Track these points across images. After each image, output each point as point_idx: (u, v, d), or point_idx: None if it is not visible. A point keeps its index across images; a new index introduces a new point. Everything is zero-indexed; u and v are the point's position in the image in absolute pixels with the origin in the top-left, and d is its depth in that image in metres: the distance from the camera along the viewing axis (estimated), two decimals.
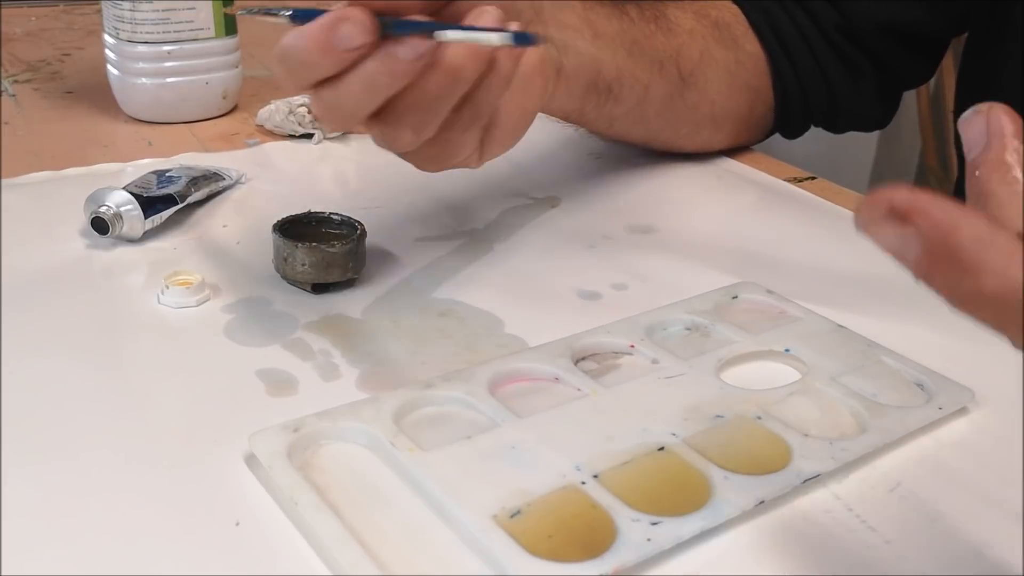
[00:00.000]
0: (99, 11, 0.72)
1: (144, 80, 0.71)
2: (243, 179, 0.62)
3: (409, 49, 0.39)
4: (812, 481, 0.36)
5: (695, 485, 0.35)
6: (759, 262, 0.54)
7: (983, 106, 0.29)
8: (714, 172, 0.67)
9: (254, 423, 0.37)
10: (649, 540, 0.33)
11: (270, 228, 0.49)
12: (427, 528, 0.34)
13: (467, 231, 0.57)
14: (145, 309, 0.47)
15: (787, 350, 0.44)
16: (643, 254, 0.55)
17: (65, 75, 0.84)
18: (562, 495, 0.35)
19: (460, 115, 0.44)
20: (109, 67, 0.73)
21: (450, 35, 0.39)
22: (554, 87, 0.53)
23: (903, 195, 0.25)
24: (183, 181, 0.57)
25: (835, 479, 0.37)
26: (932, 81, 1.74)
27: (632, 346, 0.44)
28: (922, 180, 1.95)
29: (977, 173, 0.28)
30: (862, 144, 1.94)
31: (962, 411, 0.41)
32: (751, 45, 0.67)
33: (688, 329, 0.47)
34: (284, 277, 0.49)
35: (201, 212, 0.58)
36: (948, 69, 1.63)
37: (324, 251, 0.48)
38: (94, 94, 0.77)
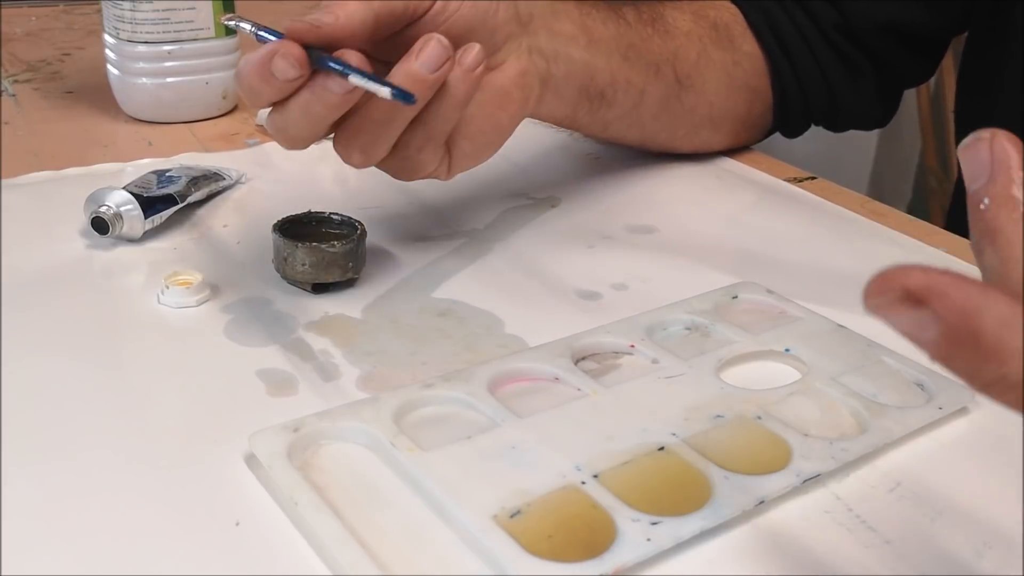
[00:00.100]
0: (99, 11, 0.72)
1: (144, 80, 0.71)
2: (243, 179, 0.62)
3: (337, 84, 0.42)
4: (812, 481, 0.36)
5: (695, 485, 0.35)
6: (759, 262, 0.54)
7: (985, 133, 0.28)
8: (714, 172, 0.67)
9: (254, 423, 0.37)
10: (649, 540, 0.33)
11: (270, 228, 0.49)
12: (427, 528, 0.34)
13: (467, 231, 0.57)
14: (145, 309, 0.47)
15: (787, 350, 0.44)
16: (643, 254, 0.55)
17: (65, 75, 0.84)
18: (562, 495, 0.35)
19: (413, 136, 0.47)
20: (109, 67, 0.73)
21: (354, 80, 0.42)
22: (541, 96, 0.53)
23: (918, 277, 0.23)
24: (183, 181, 0.57)
25: (835, 479, 0.37)
26: (932, 81, 1.74)
27: (632, 346, 0.44)
28: (922, 180, 1.94)
29: (983, 207, 0.27)
30: (862, 144, 1.94)
31: (962, 411, 0.41)
32: (749, 45, 0.67)
33: (688, 329, 0.47)
34: (284, 277, 0.49)
35: (201, 212, 0.58)
36: (948, 69, 1.63)
37: (324, 251, 0.48)
38: (94, 94, 0.77)
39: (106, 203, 0.52)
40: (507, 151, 0.52)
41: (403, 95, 0.41)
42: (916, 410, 0.40)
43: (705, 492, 0.35)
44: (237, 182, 0.62)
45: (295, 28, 0.43)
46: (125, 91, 0.73)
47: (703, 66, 0.64)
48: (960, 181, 0.77)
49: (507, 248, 0.55)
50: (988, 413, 0.41)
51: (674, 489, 0.35)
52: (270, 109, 0.45)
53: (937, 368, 0.42)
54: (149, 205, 0.53)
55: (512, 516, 0.33)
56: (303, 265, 0.48)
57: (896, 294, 0.24)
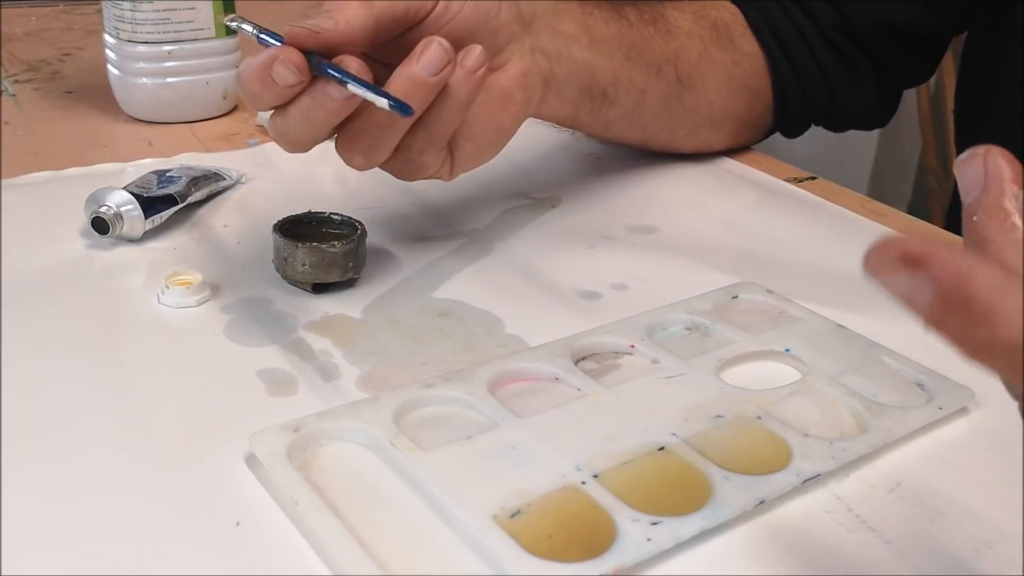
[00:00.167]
0: (99, 11, 0.72)
1: (144, 80, 0.71)
2: (243, 179, 0.62)
3: (338, 90, 0.42)
4: (812, 481, 0.36)
5: (695, 485, 0.35)
6: (759, 262, 0.54)
7: (980, 149, 0.28)
8: (714, 172, 0.67)
9: (254, 423, 0.37)
10: (649, 540, 0.33)
11: (270, 228, 0.49)
12: (427, 528, 0.34)
13: (467, 231, 0.57)
14: (145, 309, 0.47)
15: (787, 350, 0.44)
16: (643, 254, 0.55)
17: (65, 75, 0.84)
18: (562, 495, 0.35)
19: (415, 138, 0.46)
20: (109, 67, 0.73)
21: (353, 88, 0.42)
22: (543, 96, 0.53)
23: (916, 242, 0.24)
24: (183, 181, 0.57)
25: (835, 479, 0.37)
26: (932, 81, 1.74)
27: (632, 346, 0.44)
28: (922, 180, 1.94)
29: (975, 218, 0.28)
30: (862, 144, 1.93)
31: (962, 411, 0.41)
32: (749, 45, 0.67)
33: (688, 329, 0.47)
34: (284, 277, 0.49)
35: (201, 212, 0.58)
36: (948, 69, 1.63)
37: (324, 251, 0.48)
38: (94, 94, 0.77)
39: (106, 203, 0.52)
40: (507, 151, 0.52)
41: (401, 106, 0.41)
42: (916, 410, 0.40)
43: (705, 492, 0.35)
44: (237, 182, 0.62)
45: (295, 33, 0.42)
46: (125, 91, 0.73)
47: (704, 66, 0.64)
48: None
49: (507, 248, 0.55)
50: (988, 413, 0.41)
51: (674, 489, 0.35)
52: (271, 112, 0.45)
53: (937, 368, 0.42)
54: (149, 205, 0.53)
55: (512, 516, 0.33)
56: (303, 265, 0.48)
57: (894, 257, 0.24)
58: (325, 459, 0.37)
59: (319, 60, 0.42)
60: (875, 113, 0.72)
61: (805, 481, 0.36)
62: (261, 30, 0.45)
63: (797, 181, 0.66)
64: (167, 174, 0.57)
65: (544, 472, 0.35)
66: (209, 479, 0.36)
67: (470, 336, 0.46)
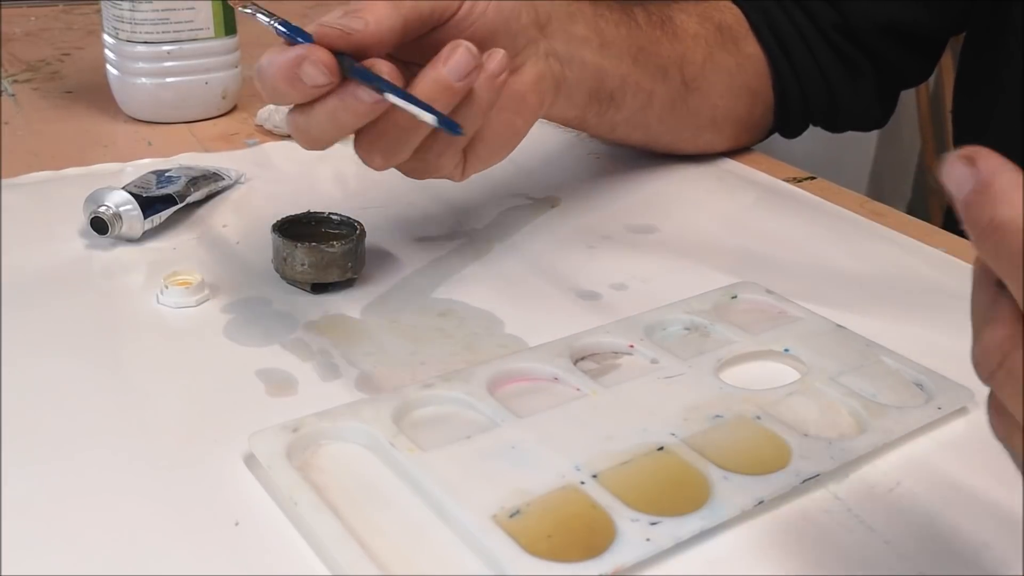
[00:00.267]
0: (99, 11, 0.72)
1: (144, 80, 0.71)
2: (242, 179, 0.62)
3: (368, 94, 0.41)
4: (811, 481, 0.36)
5: (694, 485, 0.35)
6: (759, 262, 0.54)
7: (969, 150, 0.27)
8: (714, 172, 0.67)
9: (254, 423, 0.37)
10: (648, 540, 0.33)
11: (269, 228, 0.49)
12: (427, 528, 0.34)
13: (467, 231, 0.57)
14: (144, 309, 0.47)
15: (786, 350, 0.44)
16: (643, 254, 0.55)
17: (65, 75, 0.84)
18: (561, 495, 0.35)
19: (435, 141, 0.46)
20: (109, 67, 0.73)
21: (393, 99, 0.41)
22: (553, 99, 0.53)
23: (977, 148, 0.26)
24: (182, 181, 0.57)
25: (834, 479, 0.37)
26: (932, 81, 1.74)
27: (631, 346, 0.44)
28: (922, 180, 1.94)
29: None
30: (862, 144, 1.93)
31: (961, 411, 0.41)
32: (751, 47, 0.67)
33: (687, 329, 0.47)
34: (283, 277, 0.49)
35: (200, 212, 0.58)
36: (948, 68, 1.63)
37: (323, 251, 0.48)
38: (94, 94, 0.77)
39: (105, 203, 0.52)
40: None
41: (450, 125, 0.41)
42: (915, 410, 0.40)
43: (704, 492, 0.35)
44: (236, 182, 0.62)
45: (325, 34, 0.42)
46: (125, 91, 0.73)
47: (709, 69, 0.64)
48: None
49: (507, 248, 0.55)
50: None
51: (673, 489, 0.35)
52: (290, 108, 0.44)
53: (937, 368, 0.42)
54: (148, 205, 0.53)
55: (511, 516, 0.33)
56: (302, 265, 0.48)
57: (960, 157, 0.27)
58: (324, 459, 0.37)
59: (351, 63, 0.41)
60: (874, 113, 0.72)
61: (804, 481, 0.36)
62: (278, 21, 0.43)
63: (797, 181, 0.66)
64: (166, 174, 0.57)
65: (543, 472, 0.35)
66: (208, 479, 0.36)
67: (469, 336, 0.46)
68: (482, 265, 0.53)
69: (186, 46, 0.71)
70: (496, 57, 0.45)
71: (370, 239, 0.51)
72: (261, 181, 0.63)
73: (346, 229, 0.50)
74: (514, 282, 0.52)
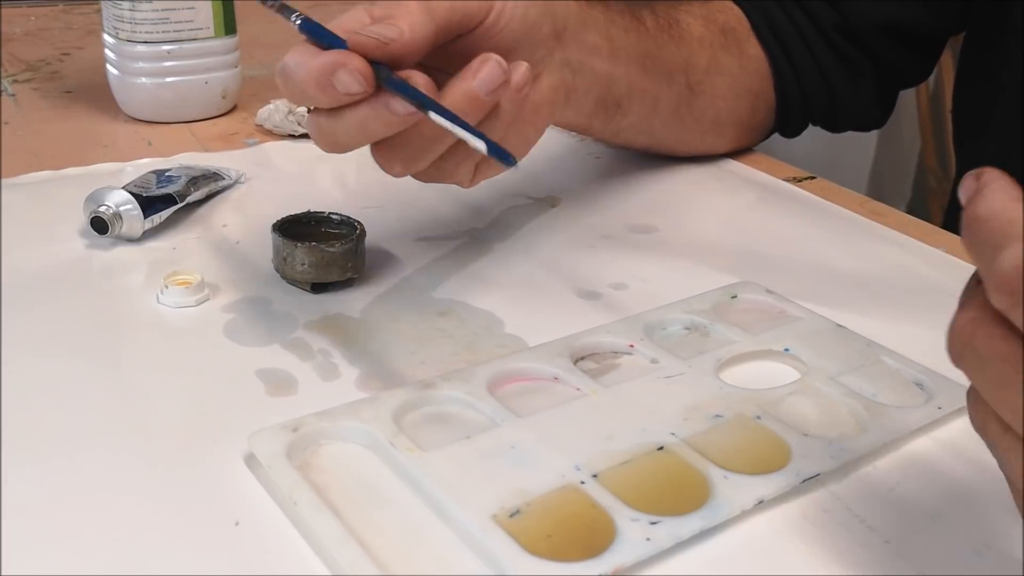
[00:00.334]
0: (99, 11, 0.72)
1: (143, 80, 0.71)
2: (242, 179, 0.62)
3: (402, 106, 0.40)
4: (811, 481, 0.36)
5: (694, 485, 0.35)
6: (759, 262, 0.54)
7: (983, 169, 0.29)
8: (714, 172, 0.67)
9: (254, 423, 0.37)
10: (648, 540, 0.33)
11: (269, 228, 0.49)
12: (426, 528, 0.34)
13: (467, 231, 0.57)
14: (144, 309, 0.47)
15: (786, 350, 0.44)
16: (643, 254, 0.55)
17: (64, 75, 0.84)
18: (561, 495, 0.35)
19: (455, 152, 0.45)
20: (108, 67, 0.73)
21: (437, 119, 0.40)
22: (563, 107, 0.53)
23: (989, 168, 0.29)
24: (182, 181, 0.57)
25: (834, 479, 0.37)
26: (931, 81, 1.74)
27: (631, 346, 0.44)
28: (922, 180, 1.94)
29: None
30: (862, 144, 1.93)
31: (961, 411, 0.41)
32: (754, 49, 0.67)
33: (687, 329, 0.47)
34: (284, 277, 0.49)
35: (200, 212, 0.58)
36: (948, 68, 1.63)
37: (323, 251, 0.48)
38: (94, 94, 0.77)
39: (105, 203, 0.52)
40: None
41: (504, 156, 0.40)
42: (915, 410, 0.40)
43: (704, 492, 0.35)
44: (236, 182, 0.62)
45: (360, 42, 0.41)
46: (124, 91, 0.73)
47: (713, 73, 0.64)
48: (958, 183, 0.77)
49: (507, 248, 0.55)
50: None
51: (673, 489, 0.35)
52: (312, 109, 0.43)
53: (937, 368, 0.42)
54: (148, 205, 0.53)
55: (511, 516, 0.33)
56: (302, 265, 0.48)
57: (973, 172, 0.29)
58: (324, 459, 0.37)
59: (388, 74, 0.40)
60: (874, 113, 0.72)
61: (804, 481, 0.36)
62: (302, 18, 0.42)
63: (797, 181, 0.66)
64: (166, 174, 0.57)
65: (543, 472, 0.35)
66: (208, 479, 0.36)
67: (469, 336, 0.46)
68: (482, 265, 0.53)
69: (186, 46, 0.71)
70: (520, 70, 0.44)
71: (370, 239, 0.51)
72: (261, 181, 0.63)
73: (346, 229, 0.50)
74: (514, 282, 0.52)
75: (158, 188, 0.55)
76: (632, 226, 0.59)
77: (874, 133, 1.94)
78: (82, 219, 0.53)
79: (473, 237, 0.56)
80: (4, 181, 0.60)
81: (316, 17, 0.42)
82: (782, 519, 0.35)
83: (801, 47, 0.67)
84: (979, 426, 0.31)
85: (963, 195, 0.28)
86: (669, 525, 0.33)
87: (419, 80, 0.41)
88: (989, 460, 0.39)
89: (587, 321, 0.46)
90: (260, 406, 0.40)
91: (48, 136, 0.70)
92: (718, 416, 0.39)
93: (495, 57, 0.43)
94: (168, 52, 0.70)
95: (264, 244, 0.51)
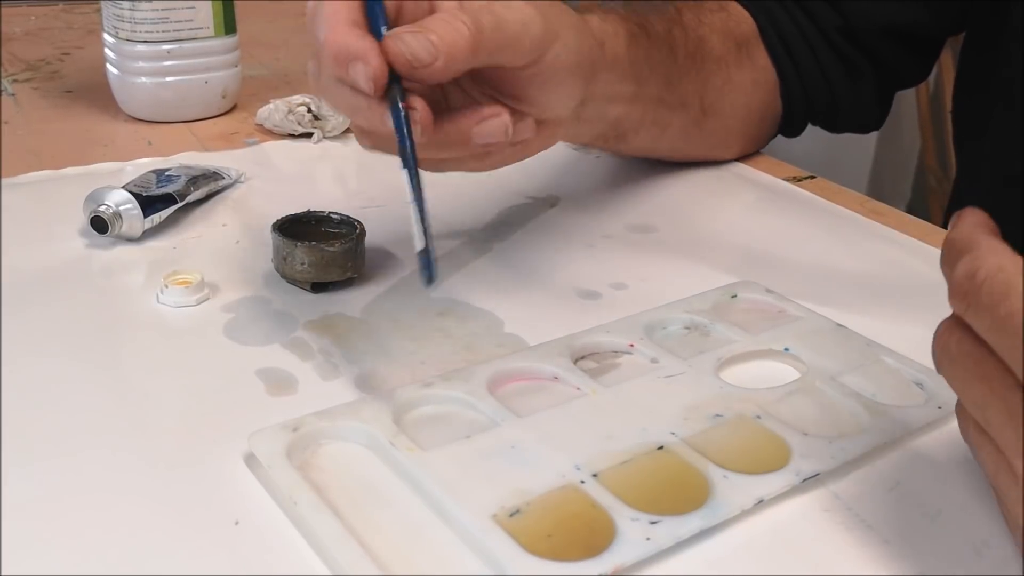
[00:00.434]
0: (99, 10, 0.72)
1: (143, 79, 0.71)
2: (242, 178, 0.62)
3: (387, 126, 0.41)
4: (811, 480, 0.36)
5: (694, 484, 0.35)
6: (759, 262, 0.54)
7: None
8: (714, 172, 0.67)
9: (254, 423, 0.37)
10: (648, 539, 0.33)
11: (269, 227, 0.49)
12: (426, 528, 0.34)
13: (466, 231, 0.57)
14: (144, 308, 0.47)
15: (786, 349, 0.44)
16: (643, 254, 0.55)
17: (65, 74, 0.84)
18: (561, 494, 0.35)
19: (472, 155, 0.46)
20: (109, 66, 0.73)
21: (405, 181, 0.41)
22: (562, 136, 0.54)
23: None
24: (182, 180, 0.57)
25: (834, 478, 0.37)
26: (931, 81, 1.74)
27: (631, 345, 0.44)
28: (921, 180, 1.94)
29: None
30: (862, 144, 1.93)
31: None
32: (763, 59, 0.67)
33: (687, 328, 0.47)
34: (284, 276, 0.49)
35: (200, 211, 0.58)
36: (948, 68, 1.63)
37: (323, 250, 0.48)
38: (94, 93, 0.77)
39: (105, 202, 0.52)
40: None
41: (427, 274, 0.41)
42: (915, 409, 0.40)
43: (704, 491, 0.35)
44: (236, 181, 0.62)
45: (392, 50, 0.40)
46: (124, 90, 0.73)
47: (726, 92, 0.65)
48: (958, 183, 0.77)
49: (507, 247, 0.55)
50: None
51: (673, 488, 0.35)
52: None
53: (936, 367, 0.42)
54: (148, 204, 0.53)
55: (511, 515, 0.33)
56: (302, 264, 0.48)
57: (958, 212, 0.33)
58: (324, 458, 0.37)
59: (397, 95, 0.40)
60: (873, 114, 0.72)
61: (804, 480, 0.36)
62: None
63: (797, 181, 0.66)
64: (166, 173, 0.57)
65: (543, 471, 0.35)
66: (208, 478, 0.36)
67: (469, 335, 0.46)
68: (482, 264, 0.53)
69: (186, 45, 0.71)
70: (526, 129, 0.45)
71: (370, 238, 0.51)
72: (261, 180, 0.63)
73: (346, 228, 0.50)
74: (514, 281, 0.52)
75: (158, 188, 0.55)
76: (632, 226, 0.59)
77: (874, 133, 1.94)
78: (82, 219, 0.53)
79: (473, 237, 0.56)
80: (4, 181, 0.60)
81: None
82: (782, 519, 0.35)
83: (804, 49, 0.67)
84: (962, 429, 0.33)
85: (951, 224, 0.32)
86: (669, 525, 0.33)
87: (417, 104, 0.41)
88: None
89: (587, 320, 0.46)
90: (260, 406, 0.40)
91: (48, 136, 0.70)
92: (718, 416, 0.39)
93: (505, 116, 0.43)
94: (168, 52, 0.70)
95: (264, 244, 0.51)
